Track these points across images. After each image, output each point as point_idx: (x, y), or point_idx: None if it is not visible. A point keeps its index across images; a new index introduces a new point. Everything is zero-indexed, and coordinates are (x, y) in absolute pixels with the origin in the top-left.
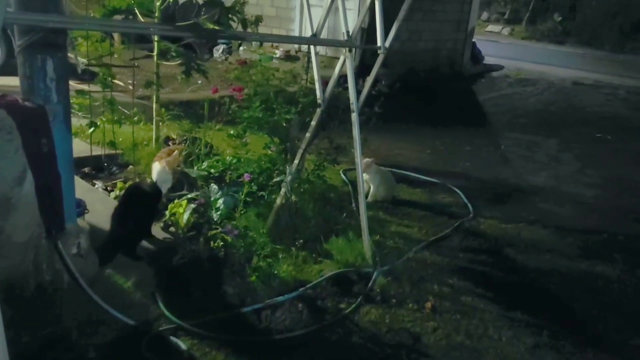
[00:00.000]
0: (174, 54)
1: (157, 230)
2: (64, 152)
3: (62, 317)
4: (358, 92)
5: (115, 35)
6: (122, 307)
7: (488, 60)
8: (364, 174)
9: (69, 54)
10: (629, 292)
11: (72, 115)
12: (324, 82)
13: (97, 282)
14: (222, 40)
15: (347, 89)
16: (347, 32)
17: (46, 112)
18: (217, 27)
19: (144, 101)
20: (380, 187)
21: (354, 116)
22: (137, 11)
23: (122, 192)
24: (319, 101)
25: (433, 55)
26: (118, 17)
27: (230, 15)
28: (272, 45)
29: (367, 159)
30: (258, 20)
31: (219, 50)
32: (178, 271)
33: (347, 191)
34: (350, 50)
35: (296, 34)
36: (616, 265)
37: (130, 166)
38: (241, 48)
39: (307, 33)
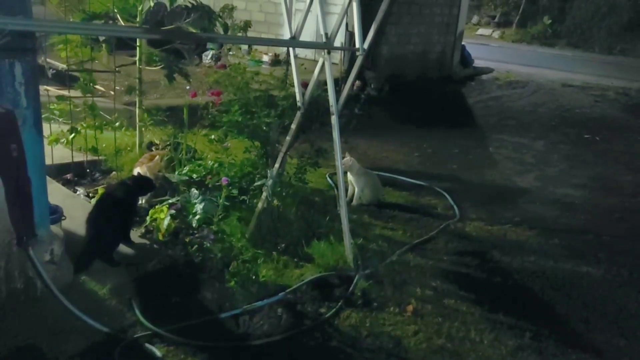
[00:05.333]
0: (156, 59)
1: (137, 235)
2: (34, 157)
3: (34, 325)
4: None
5: None
6: (96, 314)
7: (478, 63)
8: (349, 175)
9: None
10: (612, 292)
11: (53, 121)
12: (304, 85)
13: (72, 288)
14: (211, 46)
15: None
16: (326, 34)
17: (15, 117)
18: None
19: (130, 107)
20: (366, 189)
21: (334, 119)
22: (118, 16)
23: (98, 196)
24: (298, 104)
25: (422, 58)
26: (97, 21)
27: (211, 20)
28: (256, 49)
29: (346, 158)
30: (247, 25)
31: (208, 56)
32: (155, 277)
33: (333, 195)
34: (328, 53)
35: (285, 38)
36: (601, 265)
37: (113, 172)
38: (230, 53)
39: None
